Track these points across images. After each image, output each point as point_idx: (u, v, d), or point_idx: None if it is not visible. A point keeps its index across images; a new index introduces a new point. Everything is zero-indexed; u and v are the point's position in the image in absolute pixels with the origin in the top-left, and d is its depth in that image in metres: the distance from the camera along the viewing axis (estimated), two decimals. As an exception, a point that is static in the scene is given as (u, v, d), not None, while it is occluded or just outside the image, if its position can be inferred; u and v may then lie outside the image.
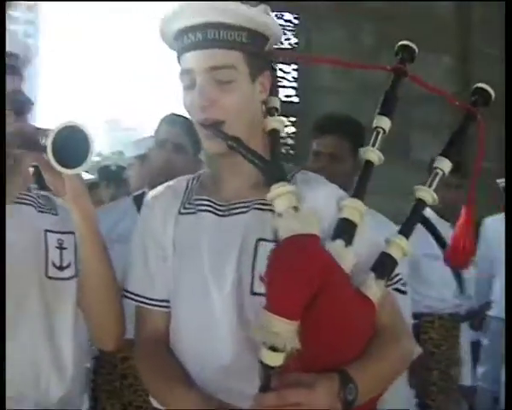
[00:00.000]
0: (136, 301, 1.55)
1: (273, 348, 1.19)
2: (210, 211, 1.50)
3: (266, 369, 1.23)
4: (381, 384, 1.44)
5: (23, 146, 1.32)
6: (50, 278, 1.54)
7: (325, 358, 1.29)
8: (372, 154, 1.50)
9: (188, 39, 1.43)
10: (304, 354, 1.20)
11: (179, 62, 1.48)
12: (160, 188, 1.63)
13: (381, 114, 1.53)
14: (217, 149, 1.45)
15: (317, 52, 5.92)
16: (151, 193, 1.63)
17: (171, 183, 1.63)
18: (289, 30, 6.34)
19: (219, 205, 1.50)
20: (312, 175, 1.57)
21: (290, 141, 6.42)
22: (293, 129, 6.39)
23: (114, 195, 4.17)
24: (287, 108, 6.46)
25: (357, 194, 1.47)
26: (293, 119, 6.44)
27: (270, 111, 1.52)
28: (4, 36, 1.41)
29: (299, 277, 1.20)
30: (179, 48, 1.47)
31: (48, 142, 1.23)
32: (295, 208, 1.34)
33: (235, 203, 1.48)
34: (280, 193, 1.34)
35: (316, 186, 1.49)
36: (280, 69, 6.30)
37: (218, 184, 1.54)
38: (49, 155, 1.24)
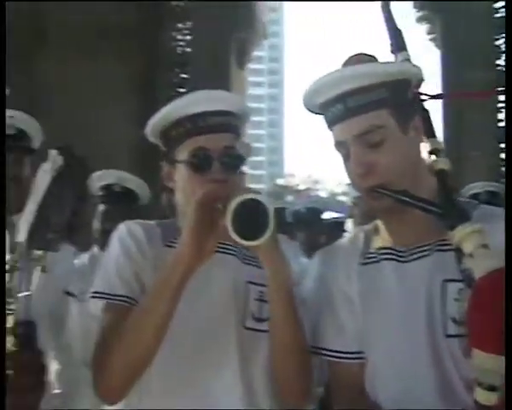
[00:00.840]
0: (330, 356, 1.54)
1: (490, 387, 1.15)
2: (392, 258, 1.50)
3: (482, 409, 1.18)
4: None
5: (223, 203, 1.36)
6: (248, 328, 1.56)
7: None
8: None
9: (330, 112, 1.45)
10: None
11: (330, 130, 1.49)
12: (339, 241, 1.65)
13: None
14: (385, 205, 1.44)
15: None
16: (332, 247, 1.65)
17: (350, 235, 1.66)
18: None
19: (400, 251, 1.49)
20: (492, 209, 1.53)
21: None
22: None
23: (308, 237, 4.19)
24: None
25: None
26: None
27: (433, 152, 1.45)
28: (4, 36, 1.43)
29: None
30: (326, 120, 1.49)
31: (228, 213, 1.28)
32: (485, 246, 1.26)
33: (415, 248, 1.47)
34: (467, 234, 1.28)
35: (495, 220, 1.41)
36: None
37: (395, 232, 1.52)
38: (229, 227, 1.29)
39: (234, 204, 1.28)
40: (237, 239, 1.29)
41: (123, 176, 3.08)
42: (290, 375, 1.52)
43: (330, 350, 1.53)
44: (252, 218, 1.29)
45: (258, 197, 1.30)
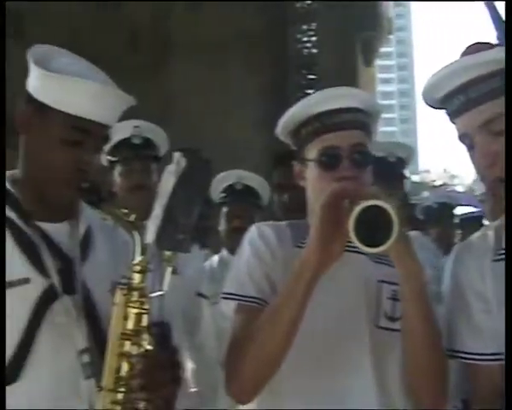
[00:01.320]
0: (467, 359, 1.49)
1: None
2: None
3: None
4: None
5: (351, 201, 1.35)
6: (381, 328, 1.55)
7: None
8: None
9: (452, 105, 1.43)
10: None
11: (453, 123, 1.47)
12: (471, 238, 1.58)
13: None
14: None
15: None
16: (464, 244, 1.59)
17: (480, 232, 1.58)
18: None
19: None
20: None
21: None
22: None
23: (441, 233, 4.03)
24: None
25: None
26: None
27: None
28: (4, 35, 1.39)
29: None
30: (447, 113, 1.47)
31: (350, 220, 1.26)
32: None
33: None
34: None
35: None
36: None
37: None
38: (351, 234, 1.27)
39: (356, 211, 1.26)
40: (360, 247, 1.27)
41: (243, 174, 3.09)
42: (425, 374, 1.48)
43: (467, 353, 1.48)
44: (374, 224, 1.26)
45: (381, 203, 1.26)
